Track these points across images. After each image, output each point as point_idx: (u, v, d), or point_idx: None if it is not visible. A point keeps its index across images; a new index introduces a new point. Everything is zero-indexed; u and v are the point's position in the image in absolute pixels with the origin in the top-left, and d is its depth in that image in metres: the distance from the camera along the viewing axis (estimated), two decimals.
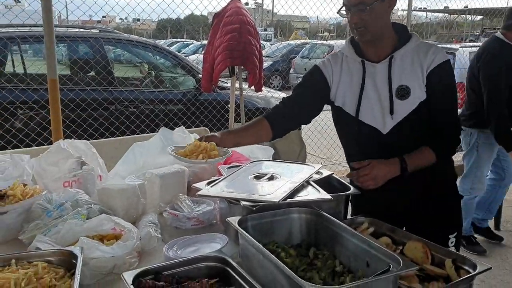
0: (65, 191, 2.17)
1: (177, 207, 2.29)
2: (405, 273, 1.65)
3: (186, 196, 2.37)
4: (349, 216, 2.21)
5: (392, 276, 1.39)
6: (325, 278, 1.64)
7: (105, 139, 4.20)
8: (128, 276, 1.54)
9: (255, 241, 1.61)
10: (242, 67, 4.49)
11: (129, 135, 4.78)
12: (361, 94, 2.20)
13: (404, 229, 2.05)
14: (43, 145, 3.84)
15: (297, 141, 4.48)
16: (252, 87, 4.64)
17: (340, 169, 6.31)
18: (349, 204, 2.30)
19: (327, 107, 2.40)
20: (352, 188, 2.21)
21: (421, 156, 2.10)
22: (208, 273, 1.67)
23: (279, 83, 14.89)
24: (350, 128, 2.28)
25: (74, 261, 1.67)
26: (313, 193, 2.02)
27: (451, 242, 2.27)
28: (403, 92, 2.11)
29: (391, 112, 2.13)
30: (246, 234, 1.66)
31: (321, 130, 7.14)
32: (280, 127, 2.34)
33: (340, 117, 2.31)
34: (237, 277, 1.61)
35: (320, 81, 2.30)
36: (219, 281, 1.63)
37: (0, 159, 2.27)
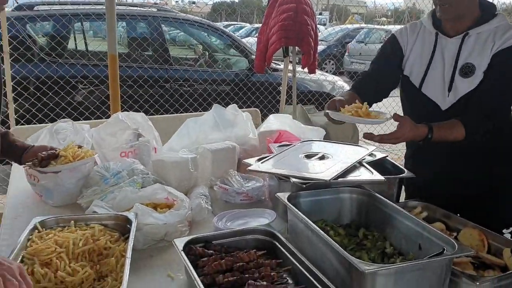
0: (122, 161, 2.25)
1: (227, 182, 2.32)
2: (460, 258, 1.59)
3: (236, 172, 2.39)
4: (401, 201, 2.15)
5: (446, 259, 1.34)
6: (374, 259, 1.61)
7: (159, 116, 4.33)
8: (179, 242, 1.59)
9: (304, 216, 1.60)
10: (297, 47, 4.43)
11: (182, 113, 4.88)
12: (428, 67, 2.15)
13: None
14: (102, 118, 4.00)
15: (350, 126, 4.38)
16: (306, 69, 4.57)
17: (393, 157, 6.14)
18: (403, 188, 2.24)
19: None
20: (406, 171, 2.14)
21: (449, 131, 1.99)
22: (256, 246, 1.69)
23: (333, 67, 14.60)
24: (413, 100, 2.24)
25: (128, 226, 1.74)
26: (365, 174, 1.98)
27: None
28: (467, 70, 2.02)
29: (449, 89, 2.07)
30: (296, 209, 1.66)
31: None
32: (366, 99, 2.23)
33: (405, 86, 2.27)
34: (284, 251, 1.61)
35: (395, 50, 2.27)
36: (267, 254, 1.64)
37: (62, 127, 2.39)
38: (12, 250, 1.50)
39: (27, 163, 2.01)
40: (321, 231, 1.50)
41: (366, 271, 1.25)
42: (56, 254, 1.55)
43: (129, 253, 1.51)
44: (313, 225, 1.54)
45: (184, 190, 2.23)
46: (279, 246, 1.65)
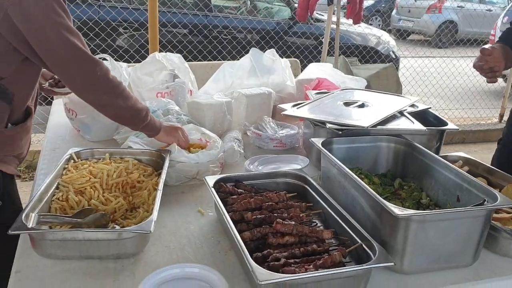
0: (158, 100, 2.25)
1: (261, 128, 2.28)
2: (501, 214, 1.52)
3: (270, 118, 2.35)
4: None
5: (486, 209, 1.27)
6: (409, 208, 1.56)
7: (197, 62, 4.29)
8: (210, 180, 1.58)
9: (338, 161, 1.55)
10: None
11: (220, 61, 4.83)
12: None
13: None
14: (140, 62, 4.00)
15: (394, 80, 4.21)
16: (350, 20, 4.38)
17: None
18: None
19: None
20: (449, 123, 2.03)
21: None
22: (286, 189, 1.66)
23: (379, 24, 13.97)
24: None
25: (161, 162, 1.75)
26: (405, 123, 1.90)
27: None
28: None
29: None
30: (329, 154, 1.61)
31: (422, 77, 6.68)
32: None
33: None
34: (315, 195, 1.58)
35: None
36: (297, 197, 1.62)
37: None
38: (48, 177, 1.54)
39: (47, 82, 1.95)
40: (354, 175, 1.46)
41: (400, 215, 1.20)
42: (90, 183, 1.58)
43: (161, 186, 1.52)
44: (347, 169, 1.49)
45: (218, 134, 2.22)
46: (310, 190, 1.62)
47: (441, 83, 6.78)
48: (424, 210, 1.57)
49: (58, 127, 2.34)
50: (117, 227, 1.47)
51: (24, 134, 1.67)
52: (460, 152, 2.04)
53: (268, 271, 1.11)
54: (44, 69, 1.72)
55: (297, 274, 1.12)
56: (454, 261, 1.33)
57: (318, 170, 1.95)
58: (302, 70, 3.24)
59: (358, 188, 1.45)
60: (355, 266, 1.17)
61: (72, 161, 1.71)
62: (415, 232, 1.25)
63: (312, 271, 1.16)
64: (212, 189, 1.52)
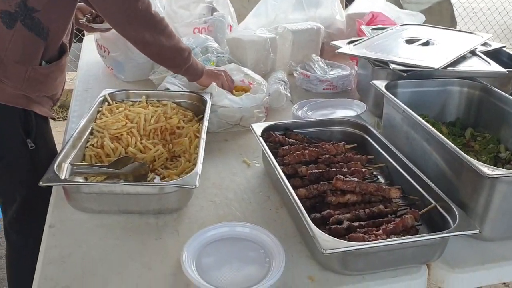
0: (195, 37, 2.05)
1: (308, 68, 2.06)
2: None
3: (319, 57, 2.12)
4: None
5: None
6: (485, 163, 1.35)
7: None
8: (257, 128, 1.41)
9: (406, 107, 1.34)
10: None
11: None
12: None
13: None
14: None
15: (448, 16, 3.82)
16: None
17: None
18: None
19: None
20: None
21: None
22: (342, 139, 1.48)
23: None
24: None
25: (202, 106, 1.58)
26: (480, 65, 1.64)
27: None
28: None
29: None
30: (395, 98, 1.40)
31: (471, 13, 6.14)
32: None
33: None
34: (377, 146, 1.39)
35: None
36: (356, 149, 1.43)
37: None
38: (82, 121, 1.40)
39: (85, 16, 1.80)
40: (428, 125, 1.25)
41: (490, 176, 1.01)
42: (126, 129, 1.44)
43: (203, 134, 1.36)
44: (419, 118, 1.29)
45: (260, 74, 2.01)
46: (370, 140, 1.43)
47: (490, 20, 6.24)
48: (503, 166, 1.36)
49: (90, 65, 2.19)
50: (157, 178, 1.34)
51: (58, 73, 1.53)
52: None
53: (332, 237, 0.96)
54: (82, 3, 1.58)
55: (367, 243, 0.96)
56: None
57: (375, 117, 1.75)
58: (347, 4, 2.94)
59: (431, 140, 1.25)
60: (435, 234, 1.00)
61: (106, 103, 1.56)
62: (504, 195, 1.06)
63: (382, 238, 1.00)
64: (260, 138, 1.35)
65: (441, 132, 1.50)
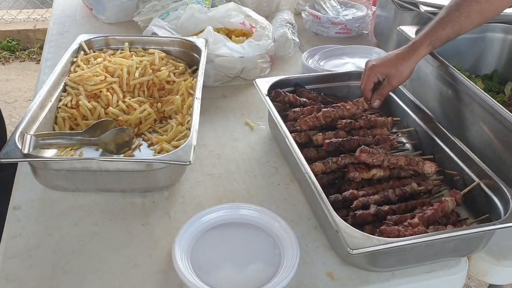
0: None
1: (318, 8, 1.79)
2: None
3: None
4: None
5: None
6: None
7: None
8: (263, 84, 1.18)
9: (442, 59, 1.11)
10: None
11: None
12: None
13: None
14: None
15: None
16: None
17: None
18: None
19: None
20: None
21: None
22: (360, 95, 1.26)
23: None
24: None
25: (196, 55, 1.34)
26: None
27: None
28: None
29: None
30: None
31: None
32: None
33: None
34: (403, 106, 1.18)
35: None
36: (379, 109, 1.22)
37: None
38: (52, 75, 1.16)
39: None
40: (467, 79, 1.03)
41: None
42: (106, 84, 1.21)
43: (198, 92, 1.13)
44: (453, 69, 1.06)
45: (263, 15, 1.75)
46: (395, 98, 1.21)
47: None
48: None
49: (67, 5, 1.90)
50: (144, 144, 1.13)
51: None
52: None
53: (360, 232, 0.77)
54: None
55: (404, 239, 0.77)
56: None
57: None
58: None
59: (473, 101, 1.03)
60: (484, 226, 0.81)
61: (82, 52, 1.31)
62: None
63: (420, 229, 0.81)
64: (266, 98, 1.13)
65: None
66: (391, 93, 1.23)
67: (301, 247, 0.86)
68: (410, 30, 1.25)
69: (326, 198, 0.84)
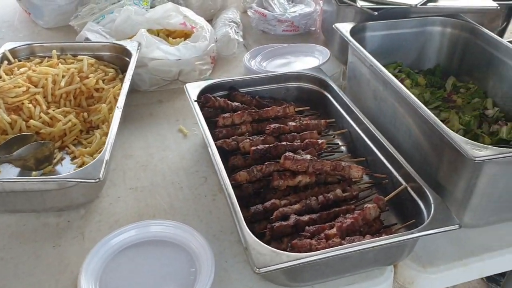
0: None
1: (266, 5, 1.74)
2: None
3: None
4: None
5: None
6: (469, 124, 1.12)
7: None
8: (193, 88, 1.13)
9: (371, 57, 1.08)
10: None
11: None
12: None
13: None
14: None
15: None
16: None
17: None
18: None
19: None
20: None
21: None
22: (299, 97, 1.22)
23: None
24: None
25: (128, 59, 1.29)
26: None
27: None
28: None
29: None
30: (361, 48, 1.12)
31: None
32: None
33: None
34: (338, 106, 1.14)
35: None
36: (314, 109, 1.18)
37: None
38: None
39: None
40: (393, 78, 0.99)
41: (477, 159, 0.77)
42: (29, 95, 1.15)
43: (121, 101, 1.08)
44: (382, 69, 1.03)
45: (209, 14, 1.71)
46: (331, 99, 1.18)
47: None
48: (489, 126, 1.13)
49: (6, 8, 1.82)
50: (67, 158, 1.08)
51: None
52: None
53: (270, 248, 0.73)
54: None
55: (314, 254, 0.73)
56: None
57: (343, 64, 1.48)
58: None
59: (403, 103, 0.99)
60: (403, 235, 0.77)
61: (6, 62, 1.25)
62: (492, 178, 0.83)
63: (335, 241, 0.78)
64: (195, 103, 1.08)
65: (417, 85, 1.27)
66: (327, 94, 1.19)
67: (220, 264, 0.83)
68: (345, 28, 1.21)
69: (239, 211, 0.80)
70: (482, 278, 1.95)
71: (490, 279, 1.93)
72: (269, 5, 1.73)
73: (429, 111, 0.89)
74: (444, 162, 0.89)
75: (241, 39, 1.56)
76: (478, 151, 0.78)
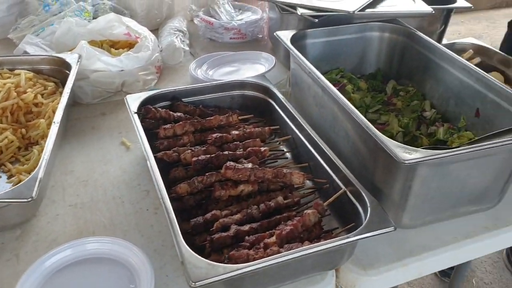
0: None
1: (213, 13, 1.74)
2: None
3: None
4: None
5: None
6: (407, 126, 1.15)
7: None
8: (133, 101, 1.12)
9: (311, 66, 1.09)
10: None
11: None
12: None
13: None
14: None
15: None
16: None
17: None
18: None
19: None
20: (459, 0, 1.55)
21: None
22: (244, 104, 1.23)
23: None
24: None
25: (69, 72, 1.25)
26: (404, 4, 1.40)
27: None
28: None
29: None
30: (300, 55, 1.14)
31: None
32: None
33: None
34: (282, 113, 1.15)
35: None
36: (259, 116, 1.18)
37: None
38: None
39: None
40: (331, 86, 1.01)
41: (407, 162, 0.79)
42: None
43: (58, 115, 1.05)
44: (321, 77, 1.04)
45: (155, 24, 1.69)
46: (275, 106, 1.18)
47: None
48: (427, 128, 1.17)
49: None
50: (3, 176, 1.04)
51: None
52: (469, 38, 1.60)
53: (206, 261, 0.72)
54: None
55: (250, 264, 0.73)
56: (470, 207, 0.97)
57: (288, 71, 1.49)
58: None
59: (340, 109, 1.01)
60: (336, 240, 0.78)
61: None
62: (425, 180, 0.86)
63: (273, 251, 0.78)
64: (135, 116, 1.07)
65: (359, 89, 1.30)
66: (271, 101, 1.20)
67: (160, 279, 0.82)
68: (286, 35, 1.22)
69: (176, 225, 0.79)
70: (435, 274, 2.01)
71: (442, 273, 2.00)
72: (216, 13, 1.73)
73: (362, 116, 0.91)
74: (379, 166, 0.91)
75: (187, 48, 1.55)
76: (408, 154, 0.80)
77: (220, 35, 1.67)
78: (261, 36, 1.70)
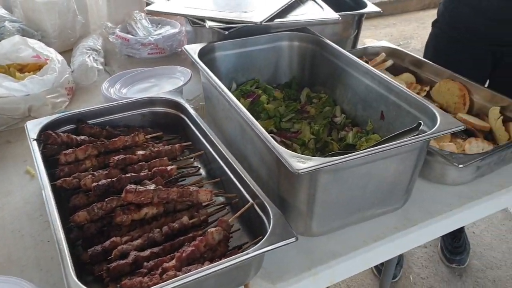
0: None
1: (130, 29, 1.71)
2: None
3: (143, 14, 1.76)
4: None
5: (422, 142, 0.89)
6: (318, 132, 1.16)
7: None
8: (34, 127, 1.06)
9: (216, 78, 1.08)
10: None
11: None
12: None
13: None
14: None
15: None
16: None
17: None
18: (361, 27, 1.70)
19: None
20: (369, 4, 1.59)
21: None
22: (156, 121, 1.20)
23: None
24: None
25: None
26: (313, 12, 1.42)
27: None
28: None
29: None
30: (206, 68, 1.12)
31: None
32: None
33: None
34: (194, 129, 1.13)
35: None
36: (172, 133, 1.16)
37: None
38: None
39: None
40: (234, 99, 1.00)
41: (300, 171, 0.79)
42: None
43: None
44: (226, 90, 1.03)
45: (69, 43, 1.64)
46: (187, 121, 1.16)
47: None
48: (338, 133, 1.19)
49: None
50: None
51: None
52: (382, 41, 1.64)
53: None
54: None
55: None
56: (378, 209, 0.98)
57: None
58: None
59: (243, 121, 1.00)
60: (231, 259, 0.76)
61: None
62: (326, 187, 0.86)
63: (170, 275, 0.75)
64: (34, 143, 1.01)
65: (274, 98, 1.30)
66: (184, 117, 1.18)
67: None
68: (193, 49, 1.20)
69: (66, 258, 0.75)
70: (374, 274, 2.03)
71: (379, 271, 2.02)
72: (133, 29, 1.70)
73: (260, 127, 0.90)
74: (282, 176, 0.91)
75: (101, 67, 1.51)
76: (302, 164, 0.80)
77: (137, 51, 1.64)
78: (180, 50, 1.68)
